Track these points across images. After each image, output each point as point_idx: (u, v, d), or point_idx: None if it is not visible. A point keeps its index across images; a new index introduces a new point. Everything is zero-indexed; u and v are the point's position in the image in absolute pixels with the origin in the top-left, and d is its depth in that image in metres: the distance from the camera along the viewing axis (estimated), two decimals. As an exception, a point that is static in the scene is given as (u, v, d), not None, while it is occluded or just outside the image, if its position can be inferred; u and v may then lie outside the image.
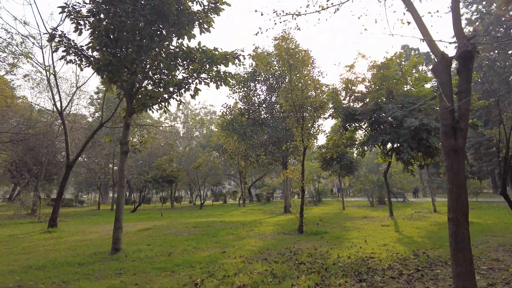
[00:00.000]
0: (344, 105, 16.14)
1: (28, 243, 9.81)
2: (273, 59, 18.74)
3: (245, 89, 22.78)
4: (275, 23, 6.25)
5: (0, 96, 13.20)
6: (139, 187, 37.21)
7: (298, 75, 12.47)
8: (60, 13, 7.71)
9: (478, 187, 27.55)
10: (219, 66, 8.59)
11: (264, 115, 22.70)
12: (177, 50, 8.55)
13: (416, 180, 47.93)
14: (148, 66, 8.55)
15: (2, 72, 15.61)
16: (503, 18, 30.80)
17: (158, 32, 8.21)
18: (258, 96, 23.01)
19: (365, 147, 15.79)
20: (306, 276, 5.37)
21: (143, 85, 8.67)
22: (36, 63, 13.47)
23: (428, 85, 17.40)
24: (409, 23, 5.27)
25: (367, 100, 16.09)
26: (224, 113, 24.61)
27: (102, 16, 7.69)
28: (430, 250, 7.46)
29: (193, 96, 8.56)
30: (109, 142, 31.25)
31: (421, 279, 5.11)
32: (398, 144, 14.52)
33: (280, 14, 5.65)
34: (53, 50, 8.23)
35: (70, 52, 7.81)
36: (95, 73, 8.14)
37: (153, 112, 9.23)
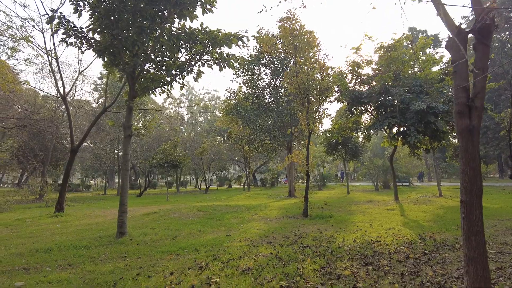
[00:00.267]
0: (350, 88, 15.83)
1: (35, 227, 9.92)
2: (277, 41, 18.32)
3: (249, 72, 22.45)
4: (280, 1, 6.01)
5: (2, 81, 13.10)
6: (145, 172, 37.50)
7: (303, 57, 12.19)
8: (58, -7, 7.49)
9: (485, 171, 27.27)
10: (222, 48, 8.37)
11: (269, 99, 22.44)
12: (180, 31, 8.32)
13: (421, 165, 47.77)
14: (150, 48, 8.36)
15: (4, 57, 15.50)
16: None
17: (160, 13, 7.97)
18: (262, 80, 22.70)
19: (371, 131, 15.54)
20: (311, 259, 5.33)
21: (145, 68, 8.50)
22: (37, 47, 13.29)
23: (436, 68, 16.99)
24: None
25: (374, 83, 15.76)
26: (228, 98, 24.40)
27: (101, -4, 7.46)
28: (437, 233, 7.39)
29: (196, 79, 8.38)
30: (113, 127, 31.31)
31: (428, 263, 5.04)
32: (405, 128, 14.29)
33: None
34: (53, 32, 8.04)
35: (70, 34, 7.63)
36: (96, 55, 7.97)
37: (155, 95, 9.07)
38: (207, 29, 8.11)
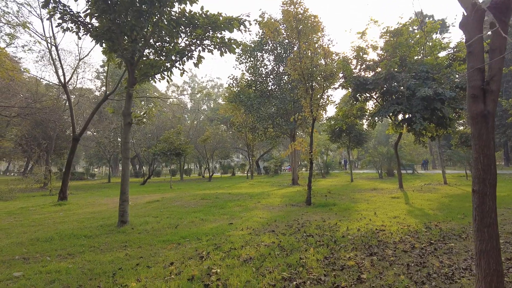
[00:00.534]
0: (355, 75, 15.49)
1: (38, 216, 9.92)
2: (281, 26, 17.90)
3: (252, 59, 22.06)
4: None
5: (1, 69, 12.93)
6: (148, 160, 37.60)
7: (307, 42, 11.87)
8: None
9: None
10: (223, 32, 8.11)
11: (272, 86, 22.10)
12: (179, 15, 8.05)
13: (425, 152, 47.43)
14: (149, 33, 8.12)
15: (3, 44, 15.29)
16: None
17: (158, -4, 7.71)
18: (265, 67, 22.30)
19: (376, 118, 15.27)
20: (314, 249, 5.23)
21: (144, 53, 8.29)
22: (35, 33, 13.05)
23: (443, 53, 16.56)
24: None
25: (379, 69, 15.40)
26: (230, 85, 24.08)
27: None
28: (443, 222, 7.25)
29: (196, 64, 8.16)
30: (115, 115, 31.25)
31: (435, 253, 4.91)
32: (410, 115, 14.01)
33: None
34: (48, 17, 7.82)
35: (66, 19, 7.41)
36: (94, 41, 7.75)
37: (155, 82, 8.88)
38: (208, 13, 7.84)
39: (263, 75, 22.00)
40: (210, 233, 6.73)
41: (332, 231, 6.65)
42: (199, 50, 8.17)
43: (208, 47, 8.05)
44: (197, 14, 7.88)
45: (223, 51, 7.95)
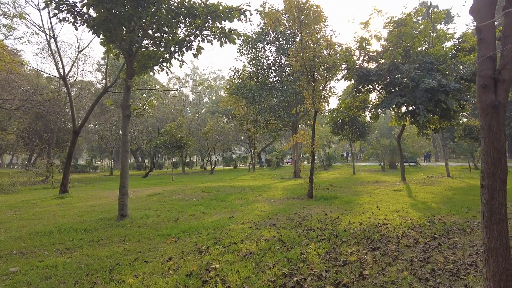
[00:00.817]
0: (357, 66, 15.25)
1: (39, 209, 9.90)
2: (282, 16, 17.59)
3: (254, 50, 21.78)
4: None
5: (-1, 61, 12.82)
6: (150, 153, 37.62)
7: (309, 32, 11.62)
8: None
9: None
10: (223, 22, 7.92)
11: (274, 78, 21.85)
12: (178, 5, 7.86)
13: (428, 145, 47.17)
14: (147, 23, 7.94)
15: (1, 36, 15.10)
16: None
17: (157, -15, 7.51)
18: (267, 58, 22.02)
19: (379, 110, 15.06)
20: (315, 243, 5.13)
21: (143, 44, 8.12)
22: (32, 24, 12.85)
23: (448, 44, 16.25)
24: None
25: (382, 60, 15.14)
26: (232, 77, 23.85)
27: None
28: (446, 216, 7.14)
29: (195, 55, 7.98)
30: (117, 108, 31.13)
31: (439, 248, 4.81)
32: (414, 107, 13.80)
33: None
34: (44, 7, 7.65)
35: (62, 9, 7.23)
36: (91, 31, 7.59)
37: (154, 73, 8.72)
38: (207, 2, 7.64)
39: (265, 67, 21.75)
40: (210, 227, 6.66)
41: (334, 225, 6.55)
42: (199, 41, 7.99)
43: (208, 38, 7.86)
44: (197, 4, 7.68)
45: (223, 41, 7.76)
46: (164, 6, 7.79)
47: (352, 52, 15.76)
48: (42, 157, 28.54)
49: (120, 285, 3.66)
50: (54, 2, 7.07)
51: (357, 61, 15.67)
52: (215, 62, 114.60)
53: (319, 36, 12.14)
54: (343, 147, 61.15)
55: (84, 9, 7.47)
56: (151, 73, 8.97)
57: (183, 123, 26.62)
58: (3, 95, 19.87)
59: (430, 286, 3.45)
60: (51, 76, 25.66)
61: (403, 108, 15.32)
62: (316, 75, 11.60)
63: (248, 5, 7.83)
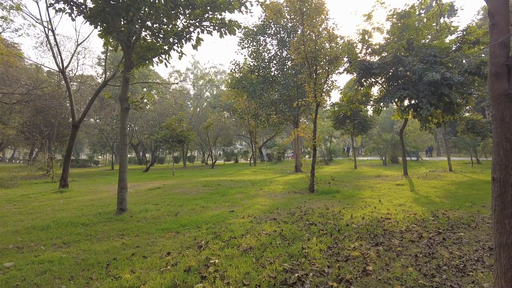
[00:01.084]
0: (360, 59, 15.03)
1: (38, 203, 9.82)
2: (284, 8, 17.33)
3: (254, 43, 21.56)
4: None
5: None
6: (151, 147, 37.55)
7: (311, 24, 11.42)
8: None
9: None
10: (223, 13, 7.75)
11: (275, 72, 21.65)
12: (177, -5, 7.68)
13: (430, 139, 46.96)
14: (145, 14, 7.77)
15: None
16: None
17: (155, -25, 7.32)
18: (268, 52, 21.80)
19: (381, 104, 14.87)
20: (317, 238, 5.03)
21: (141, 36, 7.96)
22: (29, 16, 12.66)
23: (452, 37, 15.99)
24: None
25: (385, 53, 14.91)
26: (232, 71, 23.64)
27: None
28: (450, 211, 7.01)
29: (195, 47, 7.82)
30: (115, 101, 30.97)
31: (443, 243, 4.69)
32: (417, 100, 13.61)
33: None
34: (40, -3, 7.48)
35: (59, -1, 7.07)
36: (88, 22, 7.42)
37: (153, 65, 8.56)
38: (207, -7, 7.46)
39: (266, 60, 21.53)
40: (210, 221, 6.56)
41: (336, 219, 6.44)
42: (198, 32, 7.82)
43: (208, 29, 7.69)
44: (196, -6, 7.50)
45: (223, 32, 7.59)
46: (162, -4, 7.61)
47: (355, 45, 15.54)
48: (43, 151, 28.52)
49: (116, 281, 3.56)
50: (49, -9, 6.90)
51: (359, 54, 15.46)
52: (216, 56, 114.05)
53: (321, 29, 11.94)
54: (345, 141, 61.01)
55: (81, -1, 7.33)
56: (151, 66, 8.81)
57: (183, 117, 26.46)
58: (2, 89, 19.74)
59: (436, 283, 3.33)
60: (51, 70, 25.51)
61: (406, 102, 15.14)
62: (318, 68, 11.42)
63: (248, -4, 7.65)
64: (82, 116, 14.35)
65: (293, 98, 20.54)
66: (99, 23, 7.59)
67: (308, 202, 8.67)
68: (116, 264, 4.09)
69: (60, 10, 7.27)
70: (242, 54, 33.37)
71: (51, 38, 13.84)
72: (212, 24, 7.65)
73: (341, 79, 50.16)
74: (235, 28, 7.68)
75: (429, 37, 16.01)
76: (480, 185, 11.22)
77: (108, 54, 34.17)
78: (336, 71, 14.01)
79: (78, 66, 33.35)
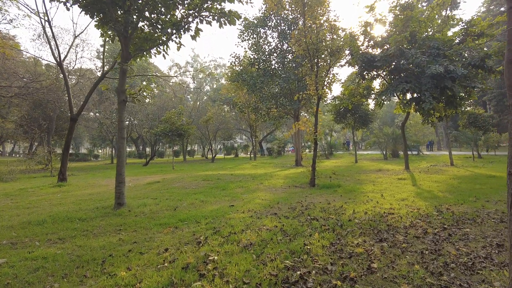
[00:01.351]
0: (362, 51, 14.78)
1: (35, 197, 9.70)
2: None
3: (255, 36, 21.26)
4: None
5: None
6: (151, 141, 37.40)
7: (312, 15, 11.19)
8: None
9: (498, 140, 26.40)
10: (223, 3, 7.52)
11: (275, 65, 21.39)
12: (175, -15, 7.45)
13: (431, 134, 46.79)
14: (143, 4, 7.55)
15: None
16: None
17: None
18: (268, 44, 21.52)
19: (383, 97, 14.66)
20: (319, 234, 4.89)
21: (138, 26, 7.75)
22: (24, 6, 12.39)
23: (456, 29, 15.76)
24: None
25: (387, 46, 14.66)
26: (232, 64, 23.37)
27: None
28: (454, 206, 6.88)
29: (193, 37, 7.61)
30: (114, 95, 30.70)
31: (449, 239, 4.56)
32: (419, 94, 13.40)
33: None
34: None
35: (53, -13, 6.85)
36: (84, 12, 7.21)
37: (151, 57, 8.36)
38: (206, -18, 7.24)
39: (266, 53, 21.26)
40: (209, 216, 6.43)
41: (338, 214, 6.31)
42: (197, 22, 7.61)
43: (207, 19, 7.47)
44: (195, -17, 7.28)
45: (223, 22, 7.38)
46: (160, -14, 7.39)
47: (356, 37, 15.28)
48: (43, 145, 28.42)
49: (111, 279, 3.43)
50: (43, -20, 6.68)
51: (361, 47, 15.21)
52: (216, 49, 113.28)
53: (322, 20, 11.72)
54: (345, 135, 60.84)
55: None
56: (149, 58, 8.61)
57: (183, 111, 26.26)
58: (0, 82, 19.51)
59: (445, 282, 3.20)
60: (50, 63, 25.26)
61: (408, 95, 14.94)
62: (319, 60, 11.21)
63: (249, -15, 7.43)
64: (80, 109, 14.17)
65: (294, 92, 20.32)
66: (95, 13, 7.39)
67: (309, 197, 8.54)
68: (112, 261, 3.95)
69: (54, -1, 7.06)
70: (242, 46, 33.24)
71: (48, 29, 13.62)
72: (211, 14, 7.44)
73: (343, 72, 49.88)
74: (235, 18, 7.47)
75: (431, 30, 15.72)
76: (482, 179, 11.09)
77: (107, 47, 33.97)
78: (338, 64, 13.82)
79: (76, 59, 33.06)
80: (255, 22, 21.00)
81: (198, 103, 47.83)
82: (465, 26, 14.93)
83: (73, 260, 4.04)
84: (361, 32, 15.35)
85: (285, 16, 20.37)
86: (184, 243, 4.63)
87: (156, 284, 3.26)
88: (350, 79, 19.68)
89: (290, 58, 20.54)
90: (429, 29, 15.54)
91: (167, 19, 7.68)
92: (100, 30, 8.31)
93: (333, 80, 12.29)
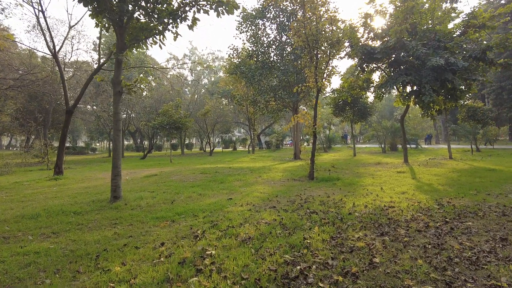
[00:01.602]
0: (361, 43, 14.58)
1: (31, 191, 9.56)
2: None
3: (253, 27, 20.97)
4: None
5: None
6: (149, 134, 37.18)
7: (312, 6, 10.97)
8: None
9: (496, 134, 26.39)
10: (220, -8, 7.31)
11: (274, 57, 21.14)
12: (172, -28, 7.23)
13: (429, 127, 46.80)
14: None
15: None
16: None
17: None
18: (267, 36, 21.24)
19: (383, 89, 14.51)
20: (319, 227, 4.79)
21: (134, 15, 7.53)
22: (16, -5, 12.09)
23: (457, 21, 15.57)
24: None
25: (387, 38, 14.46)
26: (231, 56, 23.09)
27: None
28: (455, 199, 6.80)
29: (191, 27, 7.41)
30: (111, 88, 30.38)
31: (452, 233, 4.47)
32: (419, 86, 13.25)
33: None
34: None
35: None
36: (77, 1, 6.99)
37: (147, 47, 8.16)
38: (203, -31, 7.02)
39: (265, 45, 20.99)
40: (207, 209, 6.33)
41: (338, 207, 6.22)
42: (194, 11, 7.40)
43: (204, 8, 7.27)
44: (191, -29, 7.06)
45: (220, 11, 7.18)
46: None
47: (356, 29, 15.06)
48: (40, 138, 28.17)
49: (105, 274, 3.32)
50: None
51: (361, 39, 15.00)
52: (214, 42, 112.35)
53: (322, 12, 11.49)
54: (343, 129, 60.79)
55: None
56: (145, 48, 8.40)
57: (181, 104, 26.01)
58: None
59: (449, 277, 3.11)
60: (46, 55, 24.85)
61: (408, 88, 14.80)
62: (319, 52, 11.02)
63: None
64: (76, 101, 13.95)
65: (293, 84, 20.12)
66: (89, 2, 7.17)
67: (308, 190, 8.45)
68: (106, 256, 3.84)
69: (46, -14, 6.82)
70: (240, 38, 32.89)
71: (42, 20, 13.33)
72: (209, 3, 7.23)
73: (342, 64, 49.64)
74: (233, 7, 7.26)
75: (431, 23, 15.52)
76: (482, 172, 11.03)
77: (104, 39, 33.50)
78: (337, 56, 13.62)
79: (72, 51, 32.67)
80: (254, 13, 20.69)
81: (196, 96, 47.51)
82: (466, 18, 14.75)
83: (66, 255, 3.92)
84: (361, 24, 15.12)
85: (284, 7, 20.08)
86: (181, 237, 4.52)
87: (151, 280, 3.16)
88: (350, 71, 19.51)
89: (289, 50, 20.30)
90: (429, 21, 15.34)
91: (163, 8, 7.46)
92: (94, 19, 8.10)
93: (332, 72, 12.14)
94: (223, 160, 21.97)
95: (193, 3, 7.29)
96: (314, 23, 10.77)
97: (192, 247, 4.08)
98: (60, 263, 3.67)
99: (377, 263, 3.43)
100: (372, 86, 16.12)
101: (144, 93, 35.11)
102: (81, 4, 7.16)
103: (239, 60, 22.52)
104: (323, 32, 10.82)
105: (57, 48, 14.06)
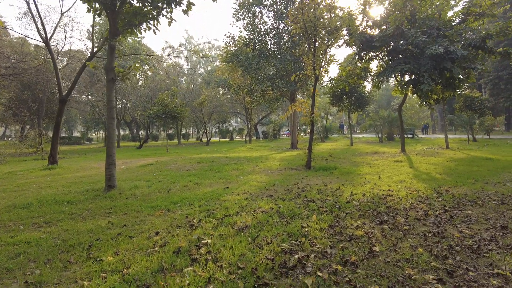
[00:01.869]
0: (360, 31, 14.34)
1: (24, 180, 9.41)
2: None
3: (250, 15, 20.60)
4: None
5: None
6: (145, 124, 36.89)
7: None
8: None
9: (492, 124, 26.42)
10: (216, -25, 7.08)
11: (271, 45, 20.84)
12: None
13: (426, 117, 46.82)
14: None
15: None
16: None
17: None
18: (264, 24, 20.88)
19: (381, 78, 14.35)
20: (317, 216, 4.72)
21: (127, 0, 7.29)
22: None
23: (456, 8, 15.36)
24: None
25: (386, 26, 14.22)
26: (227, 44, 22.74)
27: None
28: (453, 187, 6.75)
29: (185, 12, 7.18)
30: (104, 76, 29.99)
31: (451, 222, 4.41)
32: (418, 75, 13.11)
33: None
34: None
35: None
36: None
37: (140, 33, 7.93)
38: (198, -49, 6.76)
39: (262, 33, 20.66)
40: (203, 198, 6.23)
41: (335, 196, 6.15)
42: (189, -5, 7.17)
43: (199, -9, 7.05)
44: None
45: (216, -5, 6.96)
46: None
47: (355, 16, 14.79)
48: (34, 128, 27.79)
49: (97, 264, 3.22)
50: None
51: (359, 27, 14.76)
52: (210, 31, 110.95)
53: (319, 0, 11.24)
54: (340, 119, 60.73)
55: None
56: (139, 34, 8.17)
57: (177, 93, 25.72)
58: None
59: (450, 265, 3.04)
60: (38, 42, 24.36)
61: (406, 77, 14.65)
62: (317, 39, 10.81)
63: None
64: (69, 90, 13.69)
65: (290, 73, 19.89)
66: (80, -16, 6.91)
67: (306, 179, 8.37)
68: (99, 245, 3.74)
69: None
70: (237, 26, 32.17)
71: (33, 6, 12.95)
72: (204, -14, 7.00)
73: (340, 53, 49.20)
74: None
75: (430, 10, 15.27)
76: (479, 161, 11.01)
77: (98, 27, 32.85)
78: (336, 44, 13.40)
79: (65, 39, 32.07)
80: (251, 0, 20.29)
81: (192, 86, 47.06)
82: (466, 6, 14.53)
83: (58, 244, 3.82)
84: (360, 12, 14.86)
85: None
86: (176, 226, 4.43)
87: (145, 270, 3.06)
88: (348, 60, 19.31)
89: (287, 38, 20.00)
90: (428, 9, 15.10)
91: (157, -9, 7.22)
92: (86, 4, 7.84)
93: (330, 60, 11.95)
94: (220, 150, 21.84)
95: (188, -14, 7.05)
96: (312, 9, 10.54)
97: (187, 236, 3.99)
98: (51, 253, 3.56)
99: (377, 252, 3.36)
100: (370, 75, 15.95)
101: (139, 82, 34.68)
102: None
103: (236, 48, 22.20)
104: (321, 19, 10.60)
105: (49, 36, 13.72)
